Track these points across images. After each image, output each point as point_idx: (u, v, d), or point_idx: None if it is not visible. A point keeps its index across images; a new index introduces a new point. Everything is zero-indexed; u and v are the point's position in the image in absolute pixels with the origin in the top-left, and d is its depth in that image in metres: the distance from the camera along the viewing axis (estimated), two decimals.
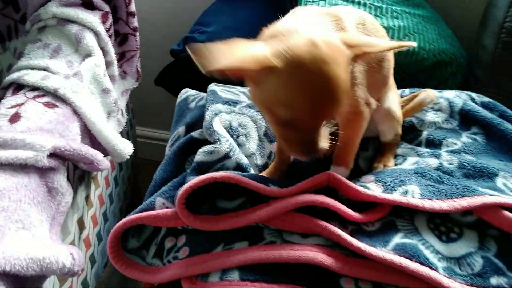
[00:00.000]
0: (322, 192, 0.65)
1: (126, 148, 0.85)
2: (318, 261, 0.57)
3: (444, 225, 0.62)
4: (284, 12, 1.32)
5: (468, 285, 0.54)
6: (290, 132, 0.55)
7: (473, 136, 0.80)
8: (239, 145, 0.75)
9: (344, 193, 0.65)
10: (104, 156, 0.75)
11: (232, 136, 0.75)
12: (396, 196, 0.63)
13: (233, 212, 0.63)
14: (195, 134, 0.79)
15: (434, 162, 0.73)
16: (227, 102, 0.84)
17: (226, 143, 0.71)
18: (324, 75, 0.48)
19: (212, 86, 0.90)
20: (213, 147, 0.70)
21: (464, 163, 0.71)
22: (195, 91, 0.99)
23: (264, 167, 0.75)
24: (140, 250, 0.69)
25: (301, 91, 0.49)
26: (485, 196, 0.61)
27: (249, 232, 0.63)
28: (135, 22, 1.09)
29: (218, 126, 0.75)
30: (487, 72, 1.02)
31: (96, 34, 0.87)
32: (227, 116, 0.80)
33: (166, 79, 1.34)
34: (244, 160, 0.71)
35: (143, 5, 1.36)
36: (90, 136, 0.79)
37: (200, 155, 0.70)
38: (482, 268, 0.56)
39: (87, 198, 0.90)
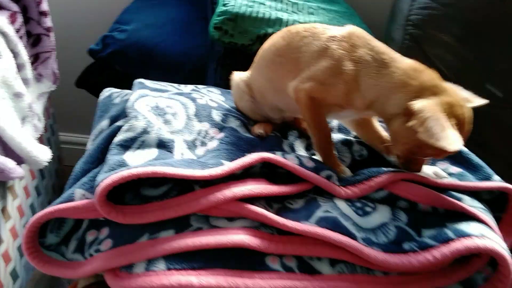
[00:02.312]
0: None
1: (42, 154, 0.81)
2: (245, 244, 0.59)
3: (360, 201, 0.66)
4: (204, 8, 1.33)
5: (384, 251, 0.58)
6: (413, 153, 0.67)
7: None
8: (166, 122, 0.75)
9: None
10: (20, 164, 0.71)
11: (158, 115, 0.75)
12: (321, 178, 0.67)
13: (158, 200, 0.63)
14: (120, 123, 0.77)
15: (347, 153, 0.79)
16: (155, 90, 0.84)
17: (143, 120, 0.70)
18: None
19: (140, 79, 0.89)
20: (130, 124, 0.69)
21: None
22: (118, 89, 0.96)
23: (192, 142, 0.76)
24: (60, 246, 0.65)
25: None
26: (391, 174, 0.67)
27: (175, 220, 0.62)
28: (48, 22, 1.04)
29: (140, 105, 0.74)
30: None
31: (4, 35, 0.82)
32: (154, 98, 0.79)
33: (88, 81, 1.30)
34: (167, 136, 0.71)
35: (57, 4, 1.30)
36: (1, 143, 0.74)
37: (118, 136, 0.69)
38: (395, 236, 0.60)
39: (3, 210, 0.84)
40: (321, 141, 0.74)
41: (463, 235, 0.56)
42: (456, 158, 0.74)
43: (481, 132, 1.07)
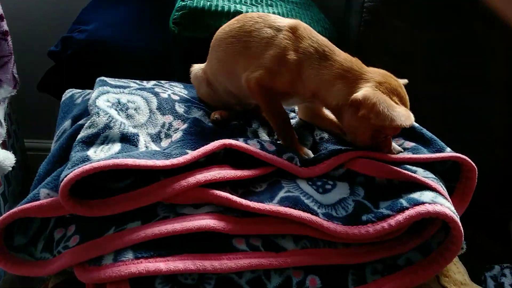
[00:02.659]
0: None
1: (6, 160, 0.80)
2: (210, 227, 0.60)
3: (320, 180, 0.69)
4: (164, 4, 1.33)
5: (344, 224, 0.61)
6: (374, 138, 0.71)
7: None
8: (128, 116, 0.76)
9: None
10: None
11: (121, 110, 0.75)
12: (282, 160, 0.69)
13: (124, 192, 0.63)
14: (82, 121, 0.77)
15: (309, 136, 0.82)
16: (117, 86, 0.84)
17: (104, 116, 0.70)
18: None
19: (101, 77, 0.89)
20: (92, 120, 0.69)
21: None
22: (80, 89, 0.96)
23: (157, 135, 0.77)
24: (28, 247, 0.65)
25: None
26: (348, 152, 0.70)
27: (142, 211, 0.63)
28: (4, 26, 1.03)
29: (101, 102, 0.75)
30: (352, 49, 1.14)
31: None
32: (115, 94, 0.79)
33: (50, 84, 1.27)
34: (130, 130, 0.71)
35: (13, 7, 1.27)
36: None
37: (81, 133, 0.69)
38: (353, 209, 0.63)
39: None
40: (279, 125, 0.77)
41: (416, 203, 0.59)
42: (409, 134, 0.78)
43: (440, 111, 1.13)
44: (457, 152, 0.71)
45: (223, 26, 0.85)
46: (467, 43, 1.12)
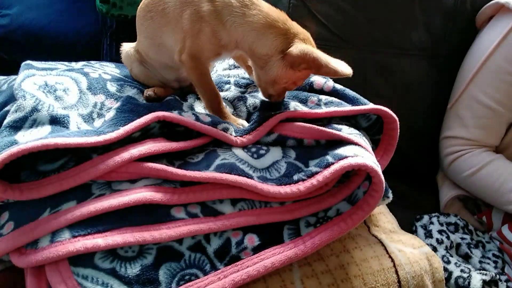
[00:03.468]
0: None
1: None
2: (147, 199, 0.61)
3: (255, 146, 0.72)
4: None
5: (277, 185, 0.64)
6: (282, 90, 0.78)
7: None
8: (57, 98, 0.73)
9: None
10: None
11: (48, 92, 0.73)
12: (217, 130, 0.71)
13: (56, 173, 0.62)
14: (8, 107, 0.74)
15: (243, 107, 0.85)
16: (43, 69, 0.81)
17: (31, 99, 0.68)
18: None
19: (27, 61, 0.85)
20: (18, 104, 0.67)
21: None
22: (5, 76, 0.91)
23: (89, 115, 0.75)
24: None
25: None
26: (276, 116, 0.73)
27: (77, 191, 0.62)
28: None
29: (27, 85, 0.72)
30: None
31: None
32: (42, 77, 0.77)
33: None
34: (60, 112, 0.70)
35: None
36: None
37: (7, 118, 0.66)
38: (286, 170, 0.66)
39: None
40: (210, 99, 0.78)
41: (340, 157, 0.63)
42: (334, 95, 0.82)
43: (366, 77, 1.19)
44: None
45: (141, 4, 0.84)
46: (390, 12, 1.18)
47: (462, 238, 1.05)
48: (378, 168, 0.63)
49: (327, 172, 0.62)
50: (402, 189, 1.06)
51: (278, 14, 0.73)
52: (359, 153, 0.64)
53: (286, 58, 0.71)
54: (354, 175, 0.68)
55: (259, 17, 0.71)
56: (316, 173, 0.63)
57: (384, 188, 0.64)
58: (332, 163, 0.63)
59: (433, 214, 1.10)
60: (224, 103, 0.80)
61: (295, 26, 0.73)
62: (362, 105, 0.77)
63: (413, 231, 1.07)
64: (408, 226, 1.04)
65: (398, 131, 0.76)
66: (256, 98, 0.85)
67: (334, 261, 0.67)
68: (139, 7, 0.84)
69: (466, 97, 1.14)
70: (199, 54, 0.75)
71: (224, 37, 0.73)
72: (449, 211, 1.17)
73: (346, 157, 0.63)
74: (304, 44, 0.70)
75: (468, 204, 1.19)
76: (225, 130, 0.72)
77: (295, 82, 0.76)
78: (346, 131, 0.70)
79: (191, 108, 0.85)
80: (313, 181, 0.62)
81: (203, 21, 0.72)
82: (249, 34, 0.72)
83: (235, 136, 0.72)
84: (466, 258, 1.02)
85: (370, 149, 0.69)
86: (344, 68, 0.68)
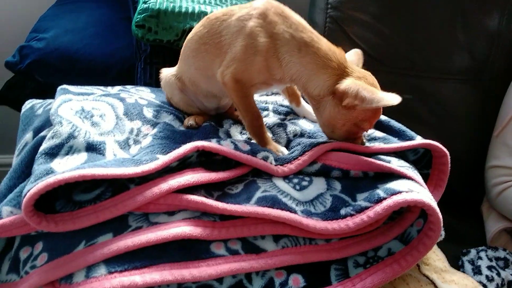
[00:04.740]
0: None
1: None
2: (186, 235, 0.58)
3: (297, 177, 0.68)
4: (126, 8, 1.29)
5: (323, 220, 0.60)
6: (351, 133, 0.73)
7: None
8: (94, 124, 0.72)
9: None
10: None
11: (85, 118, 0.72)
12: (257, 159, 0.68)
13: (92, 204, 0.60)
14: (44, 133, 0.73)
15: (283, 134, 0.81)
16: (80, 94, 0.80)
17: (68, 125, 0.67)
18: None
19: (63, 86, 0.85)
20: (54, 130, 0.66)
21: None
22: (40, 100, 0.91)
23: (125, 142, 0.73)
24: None
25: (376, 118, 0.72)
26: (321, 145, 0.69)
27: (113, 223, 0.60)
28: None
29: (64, 111, 0.71)
30: None
31: None
32: (78, 102, 0.76)
33: (9, 96, 1.21)
34: (96, 138, 0.68)
35: None
36: None
37: (43, 145, 0.65)
38: (332, 204, 0.62)
39: None
40: (252, 122, 0.75)
41: (393, 192, 0.59)
42: (378, 127, 0.78)
43: (407, 103, 1.14)
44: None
45: (191, 35, 0.82)
46: (430, 35, 1.14)
47: None
48: (436, 206, 0.58)
49: (379, 208, 0.58)
50: (444, 220, 1.00)
51: (337, 55, 0.70)
52: (414, 188, 0.60)
53: (335, 96, 0.68)
54: (407, 212, 0.63)
55: (315, 57, 0.69)
56: (366, 208, 0.59)
57: (441, 228, 0.59)
58: (384, 198, 0.59)
59: (480, 248, 1.02)
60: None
61: (353, 67, 0.70)
62: (410, 138, 0.73)
63: (459, 266, 1.00)
64: (452, 260, 0.98)
65: (449, 165, 0.71)
66: (297, 125, 0.82)
67: None
68: (189, 38, 0.82)
69: None
70: (245, 79, 0.73)
71: (277, 72, 0.72)
72: (496, 244, 1.09)
73: (399, 192, 0.59)
74: (352, 80, 0.67)
75: None
76: (265, 159, 0.69)
77: (357, 124, 0.70)
78: (396, 163, 0.66)
79: (227, 134, 0.82)
80: (363, 217, 0.58)
81: (259, 55, 0.70)
82: (303, 73, 0.70)
83: (275, 165, 0.68)
84: None
85: (424, 184, 0.64)
86: (390, 98, 0.63)
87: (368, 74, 0.71)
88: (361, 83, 0.67)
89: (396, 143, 0.71)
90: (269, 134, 0.79)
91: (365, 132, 0.75)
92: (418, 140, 0.72)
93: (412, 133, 0.75)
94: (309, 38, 0.70)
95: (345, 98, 0.66)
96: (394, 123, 0.78)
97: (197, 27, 0.81)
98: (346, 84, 0.67)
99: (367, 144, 0.73)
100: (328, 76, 0.69)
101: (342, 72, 0.69)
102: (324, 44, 0.71)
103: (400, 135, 0.75)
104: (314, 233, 0.59)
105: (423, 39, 1.14)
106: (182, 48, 0.85)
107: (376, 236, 0.62)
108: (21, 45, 1.18)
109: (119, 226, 0.60)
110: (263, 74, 0.72)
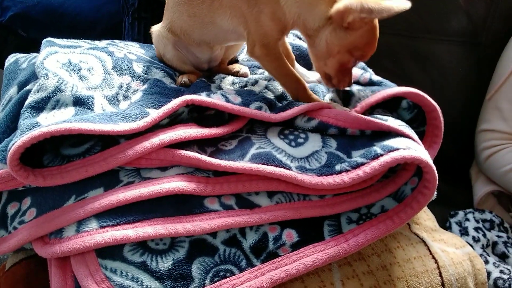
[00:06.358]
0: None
1: None
2: (180, 190, 0.57)
3: (292, 133, 0.67)
4: None
5: (318, 175, 0.59)
6: (346, 68, 0.71)
7: None
8: (81, 78, 0.69)
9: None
10: None
11: (72, 71, 0.69)
12: (251, 110, 0.66)
13: (81, 158, 0.58)
14: (30, 86, 0.70)
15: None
16: (66, 46, 0.76)
17: (54, 78, 0.64)
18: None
19: (48, 38, 0.81)
20: (40, 83, 0.63)
21: None
22: (24, 54, 0.87)
23: (114, 97, 0.71)
24: None
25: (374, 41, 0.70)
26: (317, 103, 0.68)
27: (104, 178, 0.58)
28: None
29: (50, 63, 0.68)
30: None
31: None
32: (65, 54, 0.72)
33: None
34: (84, 92, 0.66)
35: None
36: None
37: (29, 98, 0.62)
38: (327, 160, 0.61)
39: None
40: (294, 87, 0.74)
41: (390, 149, 0.58)
42: (371, 85, 0.77)
43: (402, 64, 1.12)
44: None
45: None
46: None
47: (499, 236, 1.00)
48: (432, 163, 0.58)
49: (376, 164, 0.57)
50: None
51: None
52: (411, 145, 0.59)
53: (333, 20, 0.66)
54: (402, 170, 0.63)
55: None
56: (362, 164, 0.58)
57: (436, 186, 0.59)
58: (381, 155, 0.58)
59: (468, 210, 1.04)
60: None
61: None
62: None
63: (447, 228, 1.02)
64: (440, 221, 1.00)
65: (442, 120, 0.70)
66: None
67: (375, 261, 0.62)
68: None
69: (507, 88, 1.07)
70: (267, 38, 0.71)
71: (282, 16, 0.69)
72: (483, 207, 1.11)
73: (397, 149, 0.58)
74: None
75: (503, 201, 1.13)
76: (259, 109, 0.67)
77: (351, 52, 0.68)
78: (394, 122, 0.65)
79: (219, 88, 0.80)
80: (359, 172, 0.57)
81: (260, 3, 0.69)
82: (301, 10, 0.68)
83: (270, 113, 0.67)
84: (503, 257, 0.96)
85: (420, 142, 0.63)
86: (399, 4, 0.60)
87: None
88: None
89: (387, 90, 0.70)
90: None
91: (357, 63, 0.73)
92: (406, 88, 0.70)
93: (393, 85, 0.74)
94: None
95: (347, 16, 0.63)
96: (387, 82, 0.77)
97: None
98: (344, 2, 0.63)
99: (354, 86, 0.72)
100: (323, 5, 0.66)
101: None
102: None
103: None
104: (309, 189, 0.59)
105: (421, 0, 1.11)
106: None
107: (370, 193, 0.62)
108: None
109: (110, 181, 0.59)
110: (275, 22, 0.70)
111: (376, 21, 0.69)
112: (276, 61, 0.73)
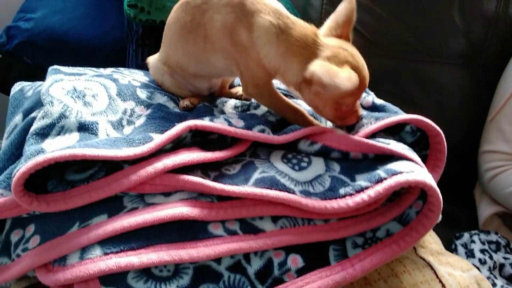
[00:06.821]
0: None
1: None
2: (184, 215, 0.56)
3: (295, 157, 0.67)
4: None
5: (322, 199, 0.59)
6: (344, 111, 0.70)
7: None
8: (86, 104, 0.70)
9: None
10: None
11: (77, 97, 0.70)
12: (253, 132, 0.67)
13: (85, 183, 0.58)
14: (35, 113, 0.71)
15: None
16: (72, 74, 0.77)
17: (59, 104, 0.65)
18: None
19: (54, 66, 0.82)
20: (45, 110, 0.64)
21: None
22: (30, 82, 0.89)
23: (119, 122, 0.71)
24: None
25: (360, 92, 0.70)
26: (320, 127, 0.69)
27: (107, 204, 0.58)
28: None
29: (55, 90, 0.69)
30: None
31: None
32: (70, 82, 0.73)
33: None
34: (89, 118, 0.66)
35: None
36: None
37: (34, 125, 0.63)
38: (331, 184, 0.61)
39: None
40: (293, 118, 0.74)
41: (394, 172, 0.58)
42: (373, 110, 0.77)
43: (403, 87, 1.13)
44: None
45: (173, 20, 0.78)
46: (427, 18, 1.13)
47: (505, 258, 0.98)
48: (436, 186, 0.58)
49: (379, 188, 0.57)
50: None
51: (306, 38, 0.66)
52: (415, 169, 0.59)
53: (305, 82, 0.67)
54: (406, 193, 0.63)
55: (287, 45, 0.67)
56: (366, 187, 0.58)
57: (441, 209, 0.58)
58: (385, 178, 0.58)
59: (473, 232, 1.03)
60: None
61: (326, 44, 0.66)
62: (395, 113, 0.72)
63: (453, 250, 1.01)
64: (445, 243, 0.98)
65: (445, 145, 0.71)
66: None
67: (382, 286, 0.61)
68: (172, 22, 0.79)
69: (508, 109, 1.07)
70: (257, 80, 0.72)
71: (266, 64, 0.70)
72: (488, 228, 1.10)
73: (400, 172, 0.58)
74: (317, 62, 0.63)
75: (507, 221, 1.12)
76: (262, 131, 0.68)
77: (338, 103, 0.67)
78: (396, 146, 0.65)
79: (222, 112, 0.81)
80: (364, 196, 0.57)
81: (246, 49, 0.69)
82: (281, 63, 0.69)
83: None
84: (510, 279, 0.95)
85: (423, 165, 0.63)
86: (346, 82, 0.59)
87: (340, 49, 0.65)
88: (326, 64, 0.62)
89: (390, 118, 0.70)
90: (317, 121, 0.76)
91: (358, 103, 0.73)
92: (410, 115, 0.70)
93: (397, 108, 0.75)
94: (284, 24, 0.67)
95: (313, 85, 0.65)
96: (390, 106, 0.77)
97: (178, 10, 0.77)
98: (310, 69, 0.63)
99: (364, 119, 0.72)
100: (298, 63, 0.66)
101: (311, 55, 0.65)
102: (297, 29, 0.67)
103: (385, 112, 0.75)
104: (313, 213, 0.59)
105: (421, 23, 1.13)
106: (165, 31, 0.82)
107: (375, 217, 0.61)
108: (8, 25, 1.14)
109: (114, 207, 0.59)
110: (261, 68, 0.70)
111: (360, 60, 0.67)
112: (269, 98, 0.74)
